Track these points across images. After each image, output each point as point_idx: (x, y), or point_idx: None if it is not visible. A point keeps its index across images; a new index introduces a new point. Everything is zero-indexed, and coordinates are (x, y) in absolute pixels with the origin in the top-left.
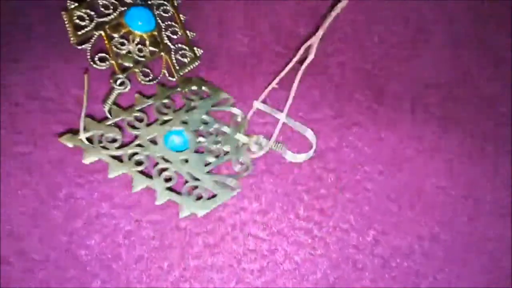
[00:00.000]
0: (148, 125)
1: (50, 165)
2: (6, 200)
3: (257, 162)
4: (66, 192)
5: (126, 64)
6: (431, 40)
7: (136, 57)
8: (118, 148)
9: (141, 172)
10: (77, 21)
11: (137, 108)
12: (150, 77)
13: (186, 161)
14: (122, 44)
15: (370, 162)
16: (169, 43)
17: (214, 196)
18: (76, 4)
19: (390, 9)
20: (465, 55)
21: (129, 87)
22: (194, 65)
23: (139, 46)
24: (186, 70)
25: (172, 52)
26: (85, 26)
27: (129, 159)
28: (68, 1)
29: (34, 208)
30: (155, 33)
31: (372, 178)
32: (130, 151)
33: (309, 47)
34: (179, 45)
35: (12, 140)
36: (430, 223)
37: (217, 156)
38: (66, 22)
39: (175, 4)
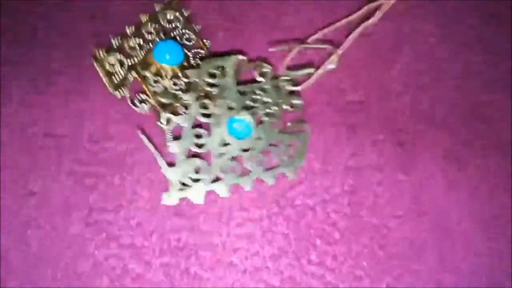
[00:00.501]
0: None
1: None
2: (12, 237)
3: (269, 204)
4: (74, 232)
5: (165, 101)
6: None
7: (173, 91)
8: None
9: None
10: (109, 68)
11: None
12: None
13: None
14: (156, 81)
15: (388, 206)
16: None
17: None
18: (105, 52)
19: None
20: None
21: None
22: None
23: (173, 80)
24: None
25: None
26: (118, 72)
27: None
28: (96, 49)
29: (41, 247)
30: (185, 63)
31: (388, 223)
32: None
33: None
34: None
35: (24, 178)
36: (451, 272)
37: None
38: (99, 71)
39: (196, 30)
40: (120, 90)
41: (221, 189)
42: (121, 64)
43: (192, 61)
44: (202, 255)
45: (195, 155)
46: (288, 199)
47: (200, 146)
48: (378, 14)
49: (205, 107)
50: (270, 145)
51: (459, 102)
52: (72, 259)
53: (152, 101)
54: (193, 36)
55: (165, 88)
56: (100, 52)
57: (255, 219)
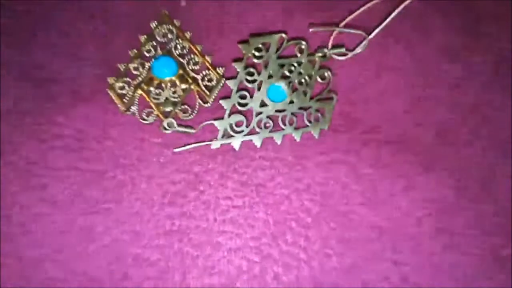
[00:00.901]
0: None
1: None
2: (22, 230)
3: (252, 194)
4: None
5: (168, 109)
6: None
7: (173, 99)
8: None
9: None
10: (119, 91)
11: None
12: (189, 112)
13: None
14: (159, 94)
15: (354, 196)
16: (195, 75)
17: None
18: (115, 79)
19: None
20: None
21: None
22: (221, 84)
23: (172, 89)
24: (216, 93)
25: (199, 81)
26: (127, 93)
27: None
28: (109, 79)
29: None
30: (181, 71)
31: (354, 210)
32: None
33: None
34: (204, 72)
35: (32, 172)
36: (406, 252)
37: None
38: (112, 96)
39: (188, 37)
40: (130, 109)
41: (256, 140)
42: (128, 85)
43: (188, 68)
44: (193, 237)
45: (239, 112)
46: (268, 188)
47: (243, 105)
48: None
49: (250, 74)
50: (301, 108)
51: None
52: (80, 242)
53: (156, 112)
54: (186, 44)
55: (166, 98)
56: (111, 80)
57: (239, 206)
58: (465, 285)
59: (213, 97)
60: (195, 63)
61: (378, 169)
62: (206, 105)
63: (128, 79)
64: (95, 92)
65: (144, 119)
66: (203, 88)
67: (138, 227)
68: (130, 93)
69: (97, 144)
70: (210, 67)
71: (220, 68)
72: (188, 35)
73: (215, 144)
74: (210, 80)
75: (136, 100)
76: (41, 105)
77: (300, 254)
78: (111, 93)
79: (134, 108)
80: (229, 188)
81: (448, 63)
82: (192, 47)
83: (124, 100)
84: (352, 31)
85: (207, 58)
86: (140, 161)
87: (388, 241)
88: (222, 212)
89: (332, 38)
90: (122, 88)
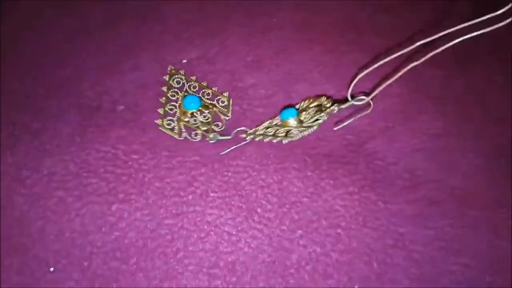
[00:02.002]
0: None
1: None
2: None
3: (230, 189)
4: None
5: (206, 128)
6: None
7: (206, 121)
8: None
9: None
10: (168, 126)
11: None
12: (221, 125)
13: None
14: (195, 120)
15: (301, 192)
16: (211, 101)
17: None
18: (161, 120)
19: None
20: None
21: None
22: (231, 102)
23: (202, 114)
24: (230, 109)
25: (216, 104)
26: (174, 126)
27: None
28: (156, 121)
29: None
30: (202, 102)
31: (300, 201)
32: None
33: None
34: (217, 97)
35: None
36: (333, 231)
37: None
38: (165, 131)
39: (194, 79)
40: (182, 135)
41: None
42: (172, 121)
43: (204, 98)
44: (190, 218)
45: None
46: (241, 185)
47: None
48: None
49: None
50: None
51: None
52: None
53: (199, 131)
54: (195, 84)
55: (201, 121)
56: (161, 121)
57: (222, 197)
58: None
59: (230, 112)
60: (208, 94)
61: (319, 173)
62: (227, 117)
63: (169, 117)
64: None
65: (194, 138)
66: (221, 108)
67: (154, 212)
68: (176, 125)
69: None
70: (218, 94)
71: (225, 93)
72: (193, 78)
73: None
74: (223, 102)
75: (183, 128)
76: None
77: (263, 229)
78: (163, 130)
79: (184, 134)
80: (214, 185)
81: None
82: (200, 85)
83: (175, 131)
84: (358, 101)
85: (214, 89)
86: (147, 166)
87: (319, 221)
88: (210, 201)
89: (351, 86)
90: (169, 124)
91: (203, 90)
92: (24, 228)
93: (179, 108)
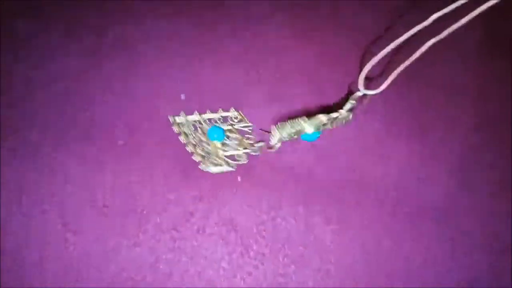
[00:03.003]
0: None
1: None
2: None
3: (226, 223)
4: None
5: (243, 147)
6: None
7: (238, 142)
8: None
9: None
10: (212, 163)
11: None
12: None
13: None
14: (229, 146)
15: (293, 228)
16: (229, 124)
17: None
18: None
19: None
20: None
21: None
22: (242, 114)
23: (231, 139)
24: (246, 118)
25: (232, 122)
26: (215, 159)
27: None
28: (194, 158)
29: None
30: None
31: (293, 237)
32: None
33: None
34: (228, 116)
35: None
36: (324, 266)
37: None
38: (217, 171)
39: (197, 116)
40: (229, 163)
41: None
42: (206, 157)
43: (220, 123)
44: (188, 253)
45: None
46: (237, 222)
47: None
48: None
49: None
50: None
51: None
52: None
53: (242, 154)
54: (199, 117)
55: (235, 144)
56: (197, 159)
57: (219, 232)
58: None
59: (247, 120)
60: (219, 119)
61: (310, 210)
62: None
63: (201, 152)
64: None
65: (239, 160)
66: (236, 122)
67: (152, 246)
68: (216, 158)
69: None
70: (229, 114)
71: (231, 110)
72: (196, 115)
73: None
74: (236, 117)
75: (224, 157)
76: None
77: (258, 265)
78: (214, 171)
79: (233, 162)
80: (211, 220)
81: None
82: (203, 117)
83: (223, 165)
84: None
85: (220, 112)
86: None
87: (311, 256)
88: (207, 236)
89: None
90: (207, 159)
91: (210, 118)
92: (21, 259)
93: (211, 145)
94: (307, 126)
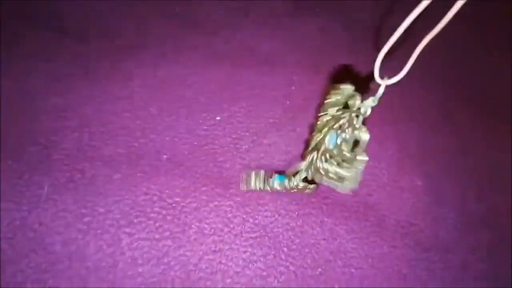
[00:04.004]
0: None
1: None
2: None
3: (260, 229)
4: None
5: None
6: None
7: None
8: None
9: None
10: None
11: None
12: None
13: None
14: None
15: (319, 235)
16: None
17: None
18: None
19: None
20: None
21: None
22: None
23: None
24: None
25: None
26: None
27: None
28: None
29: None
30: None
31: (319, 243)
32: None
33: None
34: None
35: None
36: (347, 270)
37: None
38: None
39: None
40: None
41: None
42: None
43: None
44: (228, 255)
45: None
46: (270, 228)
47: None
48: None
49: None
50: None
51: None
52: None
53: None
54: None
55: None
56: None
57: (255, 237)
58: None
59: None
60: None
61: (333, 220)
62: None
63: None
64: None
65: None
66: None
67: (196, 248)
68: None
69: None
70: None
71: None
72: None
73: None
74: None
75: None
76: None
77: (289, 266)
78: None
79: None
80: (247, 227)
81: None
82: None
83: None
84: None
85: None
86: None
87: (335, 261)
88: (244, 240)
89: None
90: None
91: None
92: (81, 261)
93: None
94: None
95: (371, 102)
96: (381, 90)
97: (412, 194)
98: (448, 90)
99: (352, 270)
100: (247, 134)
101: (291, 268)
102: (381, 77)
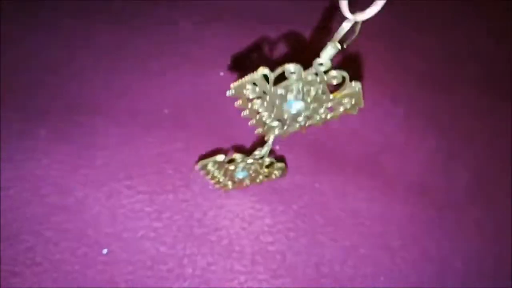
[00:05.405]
0: None
1: None
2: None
3: (268, 185)
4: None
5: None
6: None
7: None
8: None
9: None
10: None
11: None
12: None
13: None
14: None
15: (330, 194)
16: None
17: None
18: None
19: None
20: None
21: None
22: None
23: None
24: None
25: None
26: None
27: None
28: None
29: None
30: None
31: (330, 201)
32: None
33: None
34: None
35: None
36: (357, 228)
37: None
38: None
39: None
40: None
41: None
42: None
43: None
44: (233, 210)
45: None
46: (279, 184)
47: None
48: None
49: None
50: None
51: None
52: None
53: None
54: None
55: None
56: None
57: (262, 191)
58: None
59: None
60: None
61: (344, 178)
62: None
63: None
64: None
65: None
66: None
67: (199, 203)
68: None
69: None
70: None
71: None
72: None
73: None
74: None
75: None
76: None
77: (300, 223)
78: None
79: None
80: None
81: None
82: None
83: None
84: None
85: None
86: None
87: (347, 219)
88: (251, 195)
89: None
90: None
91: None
92: (79, 213)
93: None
94: None
95: (331, 49)
96: (345, 27)
97: (424, 153)
98: (461, 47)
99: (364, 228)
100: None
101: (301, 225)
102: (352, 12)
